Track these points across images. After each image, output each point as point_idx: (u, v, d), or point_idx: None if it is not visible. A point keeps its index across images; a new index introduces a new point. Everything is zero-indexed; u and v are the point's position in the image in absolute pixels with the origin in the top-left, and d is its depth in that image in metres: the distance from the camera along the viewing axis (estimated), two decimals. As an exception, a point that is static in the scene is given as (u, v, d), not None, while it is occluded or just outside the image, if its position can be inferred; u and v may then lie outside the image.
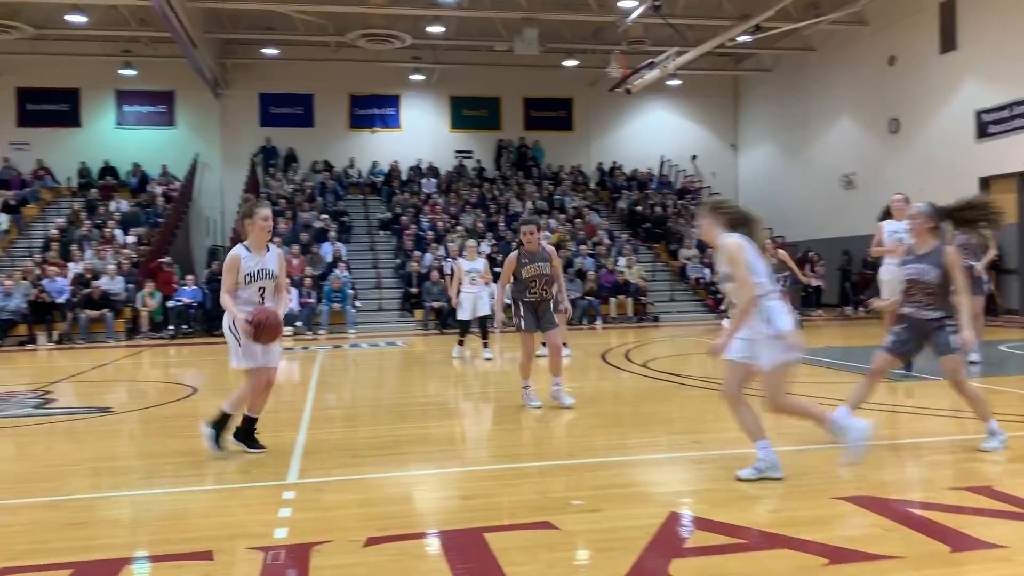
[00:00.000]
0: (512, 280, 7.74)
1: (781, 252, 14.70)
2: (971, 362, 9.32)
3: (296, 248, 21.19)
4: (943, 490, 4.58)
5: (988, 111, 19.13)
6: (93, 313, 18.20)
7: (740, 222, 5.11)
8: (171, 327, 18.70)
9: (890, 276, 8.85)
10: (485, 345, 12.48)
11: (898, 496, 4.49)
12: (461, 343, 12.60)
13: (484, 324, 12.52)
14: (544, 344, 8.69)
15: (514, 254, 7.81)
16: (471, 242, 12.90)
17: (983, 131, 19.31)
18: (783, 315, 4.79)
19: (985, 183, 19.47)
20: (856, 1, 20.63)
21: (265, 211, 5.92)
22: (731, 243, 4.88)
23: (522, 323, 7.68)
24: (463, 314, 12.47)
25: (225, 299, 5.82)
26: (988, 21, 19.07)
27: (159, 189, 24.27)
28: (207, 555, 3.76)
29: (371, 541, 3.91)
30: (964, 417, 6.83)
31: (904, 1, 21.09)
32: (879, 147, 22.84)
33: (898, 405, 7.51)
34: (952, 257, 5.61)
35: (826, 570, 3.42)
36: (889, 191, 22.74)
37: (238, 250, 5.90)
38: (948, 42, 20.22)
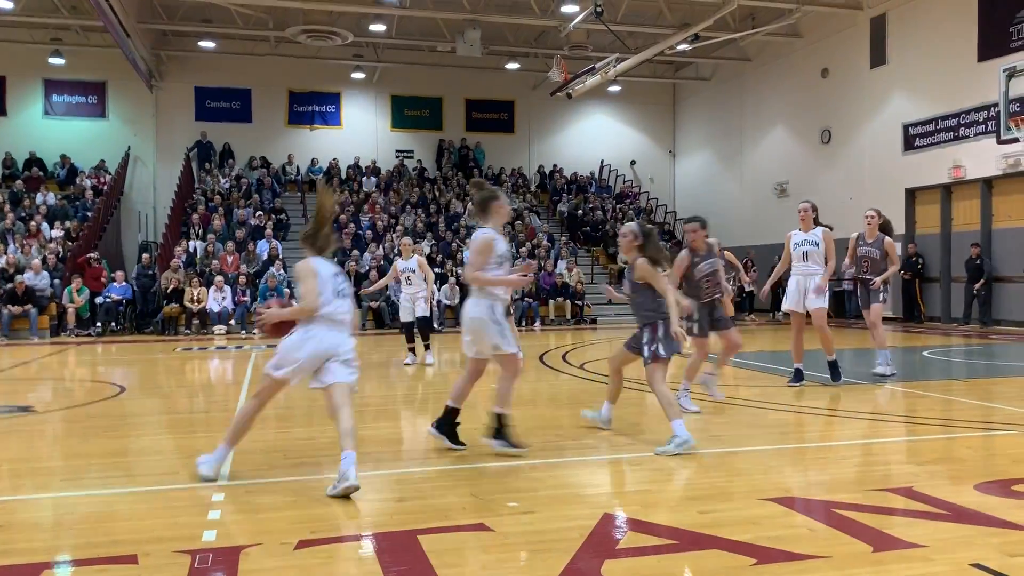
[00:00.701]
0: (683, 282, 7.61)
1: (728, 254, 15.21)
2: (881, 374, 9.43)
3: (231, 245, 20.80)
4: (866, 491, 4.72)
5: (914, 124, 19.81)
6: (16, 309, 17.58)
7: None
8: (99, 324, 18.16)
9: (794, 285, 9.08)
10: (427, 347, 12.20)
11: (823, 497, 4.61)
12: (412, 350, 11.99)
13: (423, 326, 12.08)
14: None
15: (685, 253, 7.69)
16: (406, 239, 12.47)
17: (910, 144, 19.99)
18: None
19: (911, 194, 20.16)
20: (791, 14, 21.15)
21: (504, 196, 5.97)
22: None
23: (695, 327, 7.64)
24: (405, 315, 11.94)
25: (486, 277, 5.62)
26: (916, 38, 19.76)
27: (88, 182, 23.55)
28: (132, 559, 3.66)
29: (302, 544, 3.85)
30: (886, 420, 7.06)
31: (837, 16, 21.70)
32: (811, 157, 23.46)
33: (822, 408, 7.71)
34: (641, 271, 5.99)
35: (754, 570, 3.49)
36: (820, 200, 23.31)
37: (489, 232, 5.76)
38: (878, 57, 20.88)
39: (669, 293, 5.95)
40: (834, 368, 8.93)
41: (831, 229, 9.22)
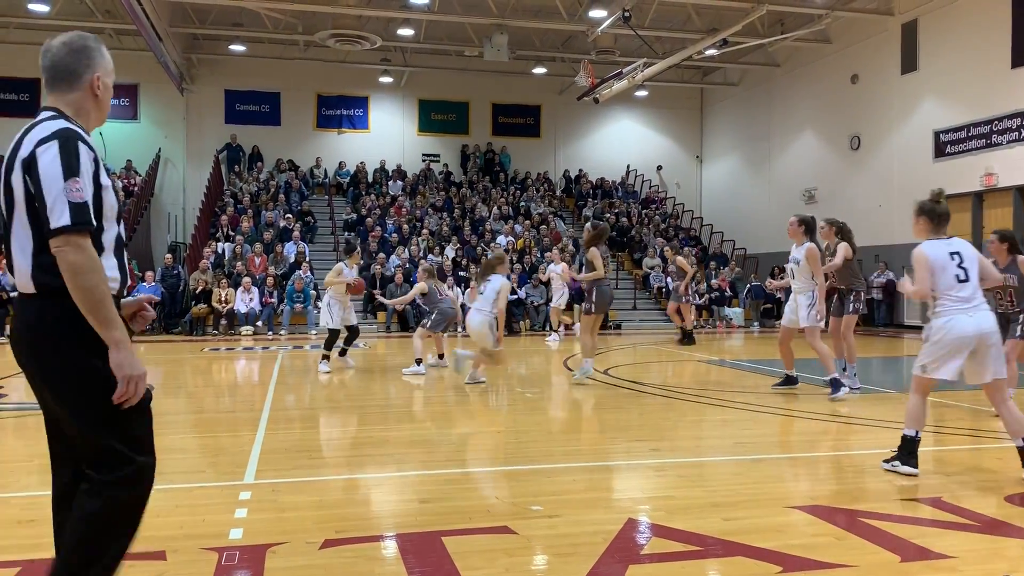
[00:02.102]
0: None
1: (679, 259, 15.51)
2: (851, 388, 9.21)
3: (259, 247, 20.98)
4: (894, 501, 4.67)
5: (945, 131, 19.58)
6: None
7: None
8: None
9: (789, 301, 9.23)
10: (343, 352, 11.93)
11: (850, 506, 4.57)
12: (327, 357, 11.57)
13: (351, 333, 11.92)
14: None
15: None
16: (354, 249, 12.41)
17: (940, 151, 19.76)
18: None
19: (941, 202, 19.88)
20: (821, 19, 21.00)
21: None
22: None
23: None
24: (336, 323, 11.51)
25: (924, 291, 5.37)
26: (947, 44, 19.54)
27: (119, 183, 23.87)
28: (160, 555, 3.71)
29: (327, 543, 3.88)
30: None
31: (867, 21, 21.51)
32: (840, 163, 23.26)
33: (851, 417, 7.64)
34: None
35: (779, 578, 3.46)
36: (850, 206, 23.32)
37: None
38: (909, 63, 20.67)
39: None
40: (834, 384, 8.65)
41: (843, 243, 9.44)
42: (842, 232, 9.63)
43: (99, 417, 2.58)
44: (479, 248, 22.71)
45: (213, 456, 6.04)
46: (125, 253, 2.77)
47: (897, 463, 5.30)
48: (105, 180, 2.65)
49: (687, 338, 16.06)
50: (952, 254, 5.25)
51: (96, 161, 2.61)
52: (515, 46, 23.55)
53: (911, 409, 5.35)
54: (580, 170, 29.07)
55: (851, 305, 9.41)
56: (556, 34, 24.48)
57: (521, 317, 20.39)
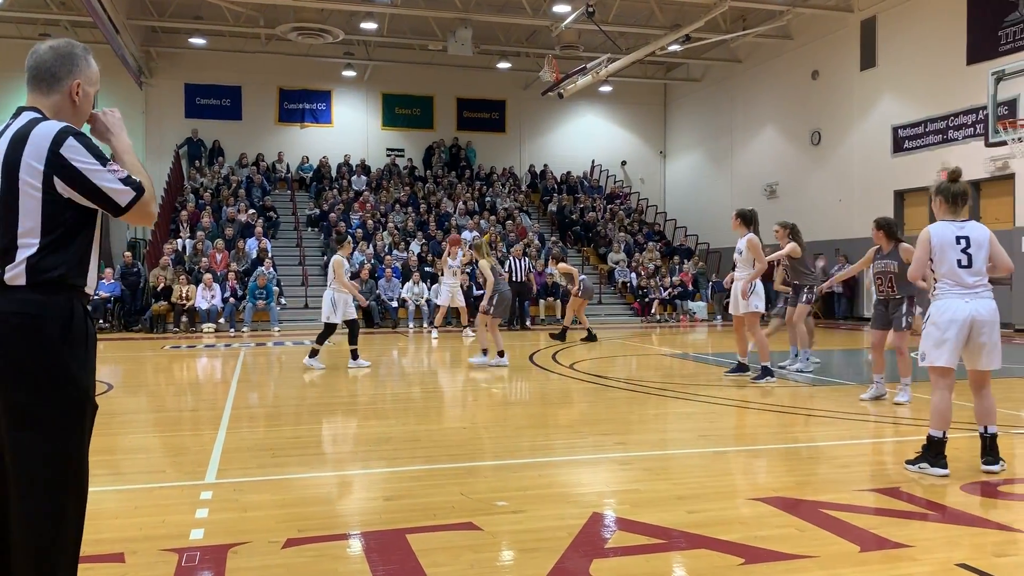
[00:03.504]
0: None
1: (562, 265, 16.31)
2: (799, 370, 10.19)
3: (220, 243, 20.72)
4: (853, 491, 4.74)
5: (904, 127, 19.92)
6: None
7: None
8: (86, 322, 18.04)
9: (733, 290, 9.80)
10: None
11: (811, 497, 4.62)
12: (317, 352, 11.38)
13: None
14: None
15: (872, 250, 8.16)
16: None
17: (899, 146, 20.10)
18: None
19: (900, 196, 20.26)
20: (782, 16, 21.22)
21: None
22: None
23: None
24: (338, 318, 11.26)
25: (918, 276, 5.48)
26: (905, 41, 19.86)
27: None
28: (119, 557, 3.64)
29: (290, 542, 3.84)
30: (874, 421, 7.10)
31: (827, 18, 21.79)
32: (801, 158, 23.55)
33: (811, 409, 7.75)
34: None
35: (742, 569, 3.50)
36: (810, 201, 23.60)
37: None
38: (868, 59, 20.99)
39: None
40: (741, 367, 9.69)
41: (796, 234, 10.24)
42: (793, 232, 10.39)
43: (66, 424, 2.58)
44: (444, 244, 22.62)
45: (174, 456, 5.96)
46: (96, 253, 2.78)
47: (925, 465, 5.10)
48: None
49: (589, 337, 15.72)
50: (960, 238, 5.10)
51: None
52: (479, 40, 23.49)
53: (934, 407, 5.15)
54: (545, 165, 29.11)
55: (804, 296, 10.27)
56: (520, 29, 24.47)
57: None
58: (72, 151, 2.55)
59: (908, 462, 5.23)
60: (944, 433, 5.11)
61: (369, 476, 5.33)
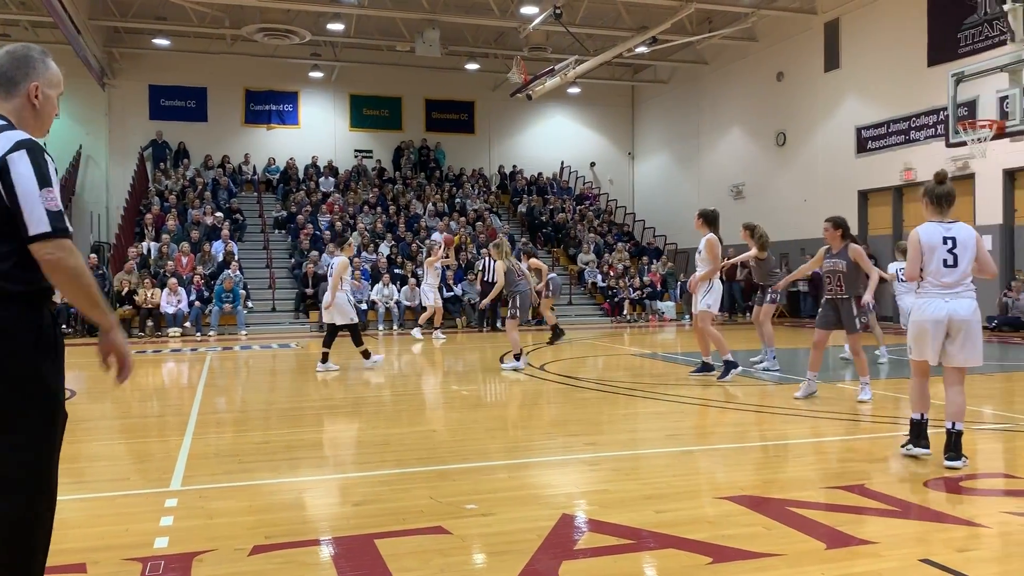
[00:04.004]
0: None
1: (532, 260, 16.30)
2: (765, 368, 10.37)
3: (186, 246, 20.48)
4: (819, 489, 4.79)
5: (867, 127, 20.20)
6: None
7: None
8: (49, 327, 17.73)
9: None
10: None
11: (778, 495, 4.67)
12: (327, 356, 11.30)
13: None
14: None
15: (822, 249, 8.16)
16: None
17: (862, 146, 20.38)
18: None
19: (864, 196, 20.54)
20: (747, 18, 21.42)
21: None
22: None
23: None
24: (342, 319, 11.16)
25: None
26: (868, 42, 20.15)
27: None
28: (80, 568, 3.58)
29: (257, 549, 3.80)
30: (839, 419, 7.18)
31: (792, 20, 22.03)
32: (766, 159, 23.79)
33: (777, 407, 7.82)
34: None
35: (710, 569, 3.52)
36: (776, 201, 23.84)
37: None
38: (832, 61, 21.25)
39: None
40: (706, 367, 9.80)
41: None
42: (757, 236, 10.73)
43: (39, 430, 2.59)
44: (414, 245, 22.56)
45: (138, 462, 5.87)
46: None
47: (911, 446, 5.43)
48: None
49: (557, 334, 15.73)
50: (946, 239, 5.28)
51: (55, 172, 2.64)
52: (447, 42, 23.44)
53: (911, 392, 5.53)
54: (515, 166, 29.12)
55: (768, 296, 10.58)
56: (488, 30, 24.46)
57: (458, 314, 20.34)
58: (20, 163, 2.50)
59: (901, 446, 5.55)
60: (922, 415, 5.41)
61: (338, 481, 5.29)
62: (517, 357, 11.13)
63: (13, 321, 2.52)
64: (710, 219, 9.62)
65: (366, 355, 11.28)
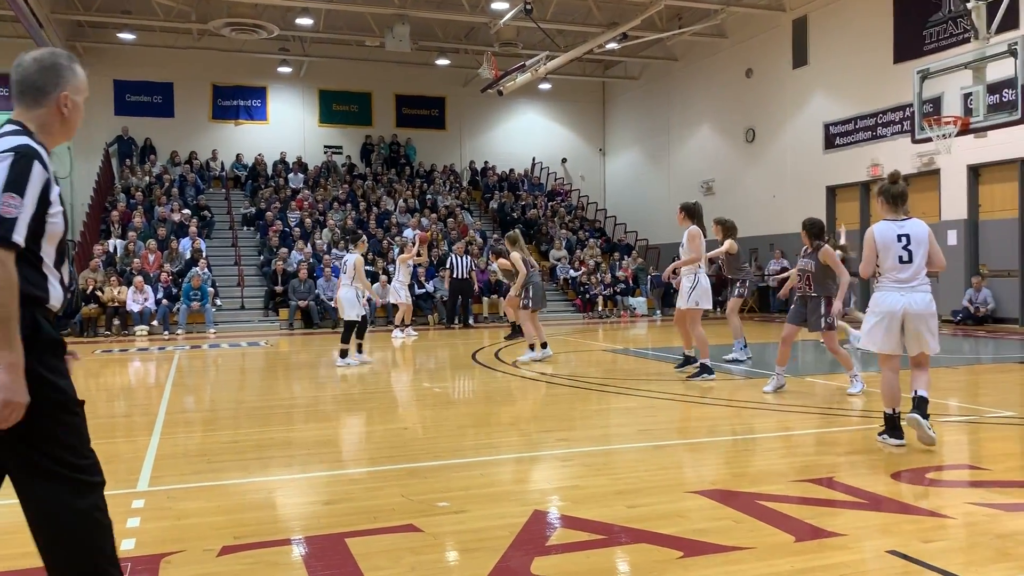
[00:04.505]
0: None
1: (501, 261, 16.31)
2: (734, 359, 10.62)
3: (152, 243, 20.21)
4: (789, 482, 4.83)
5: (835, 124, 20.41)
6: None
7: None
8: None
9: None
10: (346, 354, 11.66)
11: (748, 489, 4.70)
12: (360, 347, 11.59)
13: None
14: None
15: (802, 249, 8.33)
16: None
17: (830, 143, 20.59)
18: None
19: (832, 191, 20.77)
20: (716, 15, 21.55)
21: None
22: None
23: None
24: (357, 314, 11.30)
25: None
26: (835, 39, 20.36)
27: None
28: (41, 572, 3.50)
29: (226, 550, 3.76)
30: (808, 412, 7.25)
31: (760, 17, 22.20)
32: (736, 155, 23.97)
33: (747, 401, 7.88)
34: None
35: (681, 563, 3.53)
36: (745, 197, 24.03)
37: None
38: (800, 57, 21.45)
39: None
40: (688, 360, 9.83)
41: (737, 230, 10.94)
42: (728, 230, 10.92)
43: (43, 430, 2.57)
44: (385, 242, 22.45)
45: (105, 463, 5.70)
46: (66, 268, 2.72)
47: (886, 436, 5.70)
48: (56, 204, 2.60)
49: (515, 331, 15.74)
50: (901, 236, 5.56)
51: (48, 183, 2.57)
52: (417, 36, 23.35)
53: (882, 388, 5.75)
54: (486, 162, 29.08)
55: (736, 290, 10.91)
56: (459, 25, 24.38)
57: (430, 311, 20.28)
58: None
59: (878, 435, 5.80)
60: (894, 410, 5.66)
61: (308, 480, 5.25)
62: (532, 348, 11.32)
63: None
64: (692, 212, 9.63)
65: (343, 354, 11.23)
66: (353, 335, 11.34)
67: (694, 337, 9.50)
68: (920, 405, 5.52)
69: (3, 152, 2.50)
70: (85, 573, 2.62)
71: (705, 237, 9.66)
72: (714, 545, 3.72)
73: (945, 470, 5.23)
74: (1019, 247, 16.37)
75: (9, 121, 2.67)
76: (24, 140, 2.56)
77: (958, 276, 17.06)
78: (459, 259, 19.64)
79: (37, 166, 2.53)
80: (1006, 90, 14.25)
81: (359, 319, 11.24)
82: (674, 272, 9.79)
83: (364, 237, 12.54)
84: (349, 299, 11.17)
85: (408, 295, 17.54)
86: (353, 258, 11.29)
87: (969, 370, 10.32)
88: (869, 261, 5.67)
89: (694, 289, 9.41)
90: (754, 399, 7.96)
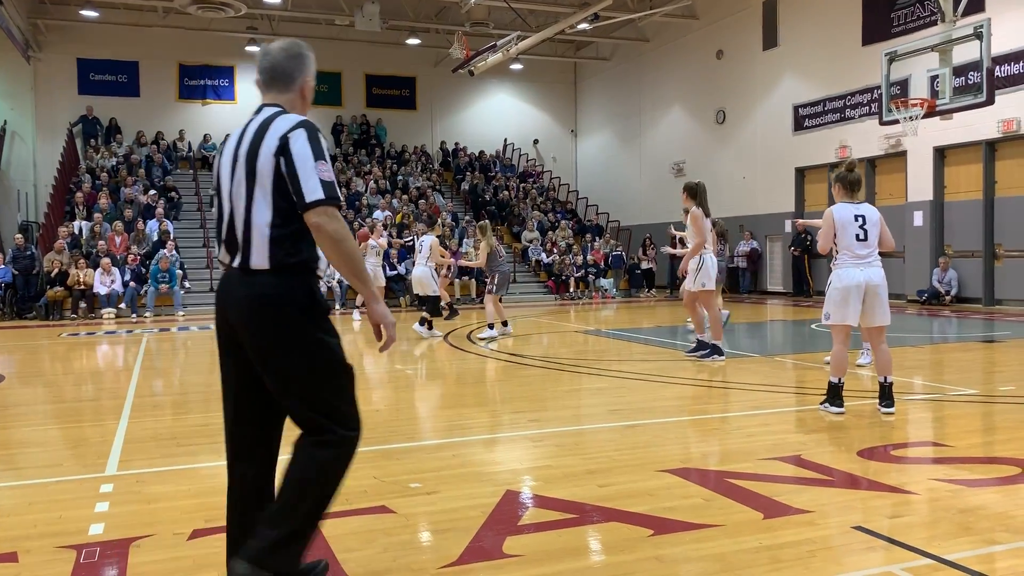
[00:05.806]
0: None
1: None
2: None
3: (119, 225, 19.92)
4: (757, 460, 4.90)
5: (804, 105, 20.55)
6: None
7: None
8: (-25, 310, 17.13)
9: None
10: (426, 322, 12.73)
11: (717, 467, 4.76)
12: (431, 323, 12.65)
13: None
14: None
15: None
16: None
17: (800, 124, 20.74)
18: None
19: (801, 173, 20.94)
20: (688, -4, 21.55)
21: None
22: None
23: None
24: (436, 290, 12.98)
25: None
26: (805, 21, 20.46)
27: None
28: (11, 556, 3.48)
29: (197, 533, 3.74)
30: (776, 392, 7.34)
31: (731, -2, 22.24)
32: (707, 137, 24.07)
33: (718, 381, 7.96)
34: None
35: (651, 540, 3.57)
36: (716, 179, 24.10)
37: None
38: (770, 39, 21.54)
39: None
40: (701, 345, 9.50)
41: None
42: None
43: (331, 384, 3.05)
44: (356, 223, 22.28)
45: (72, 448, 5.72)
46: None
47: (827, 404, 6.18)
48: None
49: (452, 312, 15.75)
50: (857, 216, 6.07)
51: (327, 149, 2.91)
52: (387, 16, 23.11)
53: (833, 357, 6.18)
54: (457, 143, 28.94)
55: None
56: (429, 4, 24.17)
57: (402, 292, 20.21)
58: (298, 139, 2.78)
59: (820, 404, 6.29)
60: (840, 379, 6.14)
61: (279, 462, 5.21)
62: (491, 326, 12.12)
63: (292, 291, 2.83)
64: (694, 192, 9.34)
65: (429, 325, 12.41)
66: (425, 312, 12.57)
67: (710, 317, 9.27)
68: (888, 395, 6.07)
69: (293, 129, 2.81)
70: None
71: (708, 216, 9.42)
72: (684, 523, 3.77)
73: (910, 447, 5.33)
74: (983, 228, 16.64)
75: (267, 105, 2.98)
76: (298, 116, 2.88)
77: (924, 256, 17.31)
78: (419, 241, 19.51)
79: (320, 136, 2.88)
80: (971, 72, 14.41)
81: (435, 294, 12.60)
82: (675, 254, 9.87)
83: (439, 220, 13.66)
84: (425, 276, 12.60)
85: (379, 275, 17.44)
86: (429, 239, 12.73)
87: (934, 349, 10.50)
88: (827, 237, 6.12)
89: (699, 271, 9.28)
90: (723, 379, 8.04)
